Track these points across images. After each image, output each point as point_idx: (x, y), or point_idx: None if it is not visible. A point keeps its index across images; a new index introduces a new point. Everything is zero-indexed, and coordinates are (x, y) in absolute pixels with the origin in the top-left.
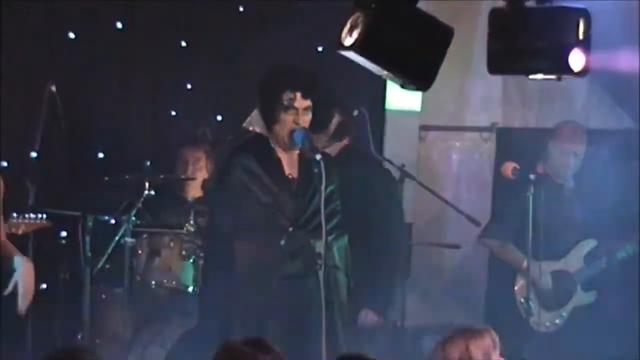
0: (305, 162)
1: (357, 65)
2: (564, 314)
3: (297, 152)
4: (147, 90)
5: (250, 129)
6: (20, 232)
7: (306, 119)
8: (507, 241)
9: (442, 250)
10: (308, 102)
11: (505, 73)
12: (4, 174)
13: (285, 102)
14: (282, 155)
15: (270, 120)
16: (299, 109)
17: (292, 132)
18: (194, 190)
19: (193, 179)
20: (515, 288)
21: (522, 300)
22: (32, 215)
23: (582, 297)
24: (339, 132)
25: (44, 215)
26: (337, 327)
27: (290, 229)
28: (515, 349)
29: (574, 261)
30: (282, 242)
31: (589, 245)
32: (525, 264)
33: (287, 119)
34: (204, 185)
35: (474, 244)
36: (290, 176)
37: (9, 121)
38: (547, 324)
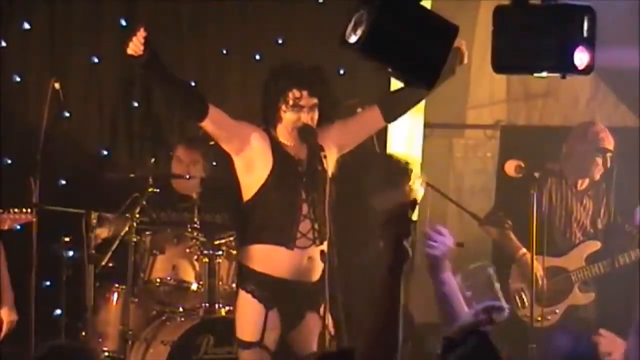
0: (312, 160)
1: (361, 63)
2: (558, 311)
3: (304, 150)
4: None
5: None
6: (6, 227)
7: (313, 117)
8: (507, 230)
9: None
10: (315, 100)
11: (510, 71)
12: (8, 171)
13: (292, 101)
14: (291, 152)
15: (274, 117)
16: (306, 107)
17: (297, 129)
18: (194, 188)
19: (194, 177)
20: (510, 280)
21: (515, 292)
22: (16, 210)
23: (578, 297)
24: None
25: (29, 210)
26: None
27: (309, 228)
28: (500, 340)
29: (574, 260)
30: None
31: (592, 247)
32: (520, 252)
33: (293, 117)
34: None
35: (477, 241)
36: (300, 172)
37: (12, 118)
38: (539, 318)
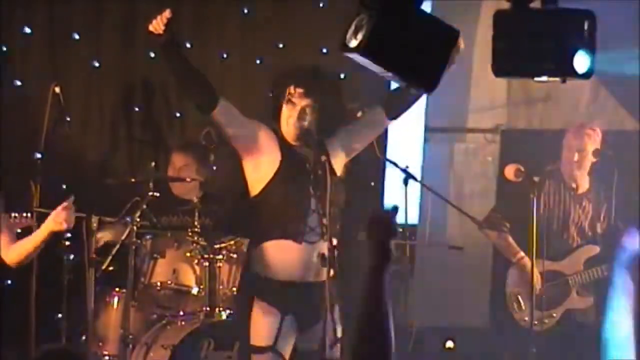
0: (317, 160)
1: (362, 67)
2: (555, 314)
3: (310, 149)
4: (149, 92)
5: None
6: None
7: (309, 118)
8: (505, 232)
9: (446, 251)
10: (309, 101)
11: (510, 75)
12: (8, 174)
13: (288, 96)
14: (298, 149)
15: (276, 113)
16: (299, 106)
17: (296, 128)
18: (194, 192)
19: (194, 180)
20: (507, 281)
21: (512, 296)
22: (17, 214)
23: (576, 301)
24: None
25: (30, 214)
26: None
27: (317, 223)
28: (502, 345)
29: (572, 264)
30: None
31: (591, 251)
32: (518, 256)
33: (286, 112)
34: (203, 186)
35: (478, 245)
36: (307, 169)
37: (13, 122)
38: (536, 322)
